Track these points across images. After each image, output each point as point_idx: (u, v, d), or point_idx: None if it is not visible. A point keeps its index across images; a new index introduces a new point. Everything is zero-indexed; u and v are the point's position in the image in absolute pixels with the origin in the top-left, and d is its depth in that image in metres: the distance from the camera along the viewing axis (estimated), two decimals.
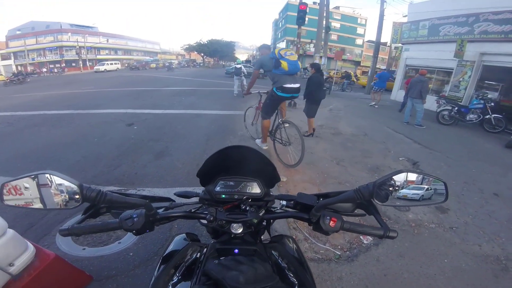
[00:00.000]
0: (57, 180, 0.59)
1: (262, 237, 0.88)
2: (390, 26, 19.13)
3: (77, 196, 0.59)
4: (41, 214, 2.50)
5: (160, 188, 3.12)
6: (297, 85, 3.66)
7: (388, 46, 30.34)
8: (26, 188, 0.60)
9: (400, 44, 15.03)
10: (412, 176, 0.64)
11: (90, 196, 0.58)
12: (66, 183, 0.59)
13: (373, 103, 10.39)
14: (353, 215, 0.77)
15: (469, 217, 2.87)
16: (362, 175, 3.73)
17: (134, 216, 0.65)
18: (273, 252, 0.78)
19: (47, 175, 0.59)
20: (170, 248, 0.83)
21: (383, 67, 31.71)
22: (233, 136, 5.28)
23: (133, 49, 56.04)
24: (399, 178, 0.62)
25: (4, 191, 0.61)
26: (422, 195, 0.66)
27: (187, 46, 51.52)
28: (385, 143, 5.31)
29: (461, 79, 10.02)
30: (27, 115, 7.11)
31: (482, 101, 7.50)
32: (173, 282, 0.68)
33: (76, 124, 6.18)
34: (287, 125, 3.85)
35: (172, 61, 46.70)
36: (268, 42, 60.93)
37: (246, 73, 10.58)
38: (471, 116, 7.60)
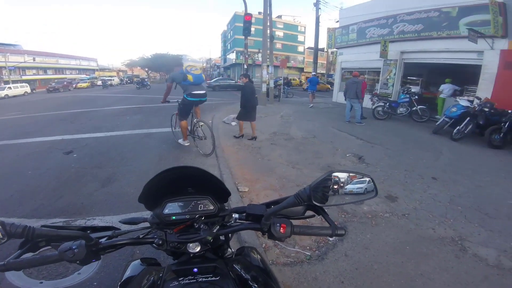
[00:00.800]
0: None
1: (228, 251, 0.87)
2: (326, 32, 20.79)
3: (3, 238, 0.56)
4: None
5: (113, 216, 2.88)
6: (203, 92, 4.85)
7: (326, 52, 33.04)
8: None
9: (335, 49, 15.86)
10: (343, 175, 0.69)
11: (16, 232, 0.56)
12: None
13: (311, 104, 11.82)
14: (304, 218, 0.80)
15: (417, 202, 3.18)
16: (317, 175, 3.88)
17: (74, 247, 0.61)
18: (234, 265, 0.77)
19: None
20: (126, 274, 0.78)
21: (323, 71, 34.49)
22: (188, 153, 5.10)
23: (66, 67, 50.89)
24: (329, 179, 0.66)
25: None
26: (366, 188, 0.72)
27: (128, 62, 48.61)
28: (332, 143, 5.75)
29: (388, 77, 11.14)
30: None
31: (407, 95, 8.68)
32: None
33: (3, 156, 5.25)
34: (201, 123, 4.86)
35: (112, 78, 42.52)
36: (218, 53, 61.18)
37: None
38: (401, 109, 8.74)
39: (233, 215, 0.82)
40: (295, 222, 0.71)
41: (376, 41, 11.18)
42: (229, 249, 0.88)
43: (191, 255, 0.74)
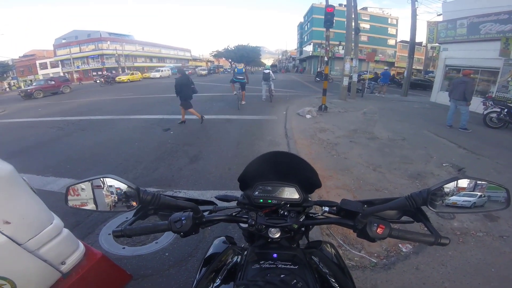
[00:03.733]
0: (115, 183, 0.64)
1: (300, 242, 0.88)
2: (423, 25, 18.01)
3: (133, 201, 0.63)
4: (86, 213, 2.68)
5: (195, 191, 3.25)
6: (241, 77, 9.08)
7: (424, 46, 28.57)
8: (83, 190, 0.67)
9: (437, 44, 14.19)
10: (465, 182, 0.60)
11: (146, 199, 0.62)
12: (125, 186, 0.64)
13: (379, 93, 14.17)
14: (399, 222, 0.74)
15: None
16: (402, 182, 3.52)
17: (183, 218, 0.67)
18: (313, 257, 0.77)
19: (105, 179, 0.64)
20: (211, 251, 0.85)
21: (419, 67, 29.91)
22: (262, 140, 5.34)
23: (166, 57, 58.15)
24: (452, 185, 0.59)
25: (68, 195, 0.67)
26: (474, 203, 0.62)
27: (215, 53, 53.32)
28: (426, 148, 4.96)
29: (509, 79, 9.21)
30: (75, 120, 7.86)
31: None
32: (215, 285, 0.69)
33: (118, 127, 6.71)
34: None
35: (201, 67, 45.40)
36: (294, 45, 60.74)
37: (274, 78, 10.61)
38: None
39: (323, 208, 0.81)
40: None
41: (494, 38, 9.53)
42: (305, 240, 0.88)
43: (269, 240, 0.75)
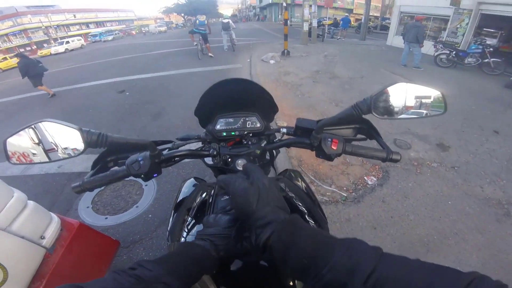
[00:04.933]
0: (55, 127, 0.55)
1: (272, 171, 0.88)
2: None
3: (79, 142, 0.55)
4: (59, 190, 2.56)
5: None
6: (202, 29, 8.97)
7: None
8: (22, 141, 0.56)
9: None
10: (407, 87, 0.60)
11: (91, 139, 0.55)
12: (66, 128, 0.54)
13: (339, 37, 14.78)
14: (353, 140, 0.76)
15: (470, 155, 2.83)
16: None
17: (140, 159, 0.64)
18: (279, 184, 0.78)
19: (44, 123, 0.55)
20: (181, 194, 0.85)
21: (377, 14, 30.27)
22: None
23: (106, 20, 52.43)
24: (395, 90, 0.58)
25: (8, 150, 0.57)
26: (420, 103, 0.63)
27: (164, 9, 47.91)
28: (382, 84, 5.21)
29: (458, 26, 9.86)
30: (19, 99, 6.83)
31: (480, 46, 7.42)
32: (187, 224, 0.69)
33: (66, 99, 5.98)
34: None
35: (149, 26, 42.93)
36: None
37: (235, 27, 10.06)
38: (470, 59, 7.55)
39: (282, 130, 0.80)
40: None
41: None
42: (273, 170, 0.88)
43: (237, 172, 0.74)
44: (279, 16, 30.30)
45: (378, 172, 2.52)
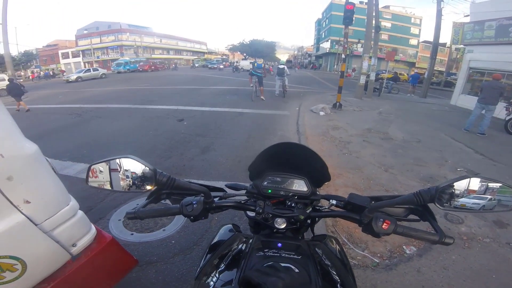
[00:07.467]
0: (134, 163, 0.67)
1: (304, 235, 0.88)
2: (449, 26, 17.34)
3: (148, 185, 0.65)
4: (100, 198, 2.79)
5: (205, 181, 3.32)
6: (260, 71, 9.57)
7: (448, 47, 27.41)
8: (101, 171, 0.69)
9: (462, 46, 13.65)
10: (475, 183, 0.59)
11: (162, 180, 0.64)
12: (142, 167, 0.66)
13: (409, 94, 14.59)
14: (405, 220, 0.74)
15: None
16: (413, 184, 3.45)
17: (194, 202, 0.69)
18: (316, 249, 0.78)
19: (124, 159, 0.66)
20: (217, 237, 0.87)
21: (442, 68, 28.82)
22: (273, 135, 5.34)
23: (183, 49, 58.48)
24: (461, 184, 0.58)
25: (90, 174, 0.69)
26: (483, 205, 0.60)
27: (230, 46, 53.46)
28: (441, 152, 4.81)
29: None
30: (93, 108, 8.15)
31: None
32: (219, 270, 0.70)
33: (134, 117, 6.91)
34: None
35: (216, 59, 45.96)
36: (311, 41, 60.07)
37: (289, 73, 10.59)
38: None
39: (331, 201, 0.82)
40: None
41: None
42: (310, 233, 0.89)
43: (274, 230, 0.77)
44: (334, 66, 30.83)
45: (420, 243, 2.32)
